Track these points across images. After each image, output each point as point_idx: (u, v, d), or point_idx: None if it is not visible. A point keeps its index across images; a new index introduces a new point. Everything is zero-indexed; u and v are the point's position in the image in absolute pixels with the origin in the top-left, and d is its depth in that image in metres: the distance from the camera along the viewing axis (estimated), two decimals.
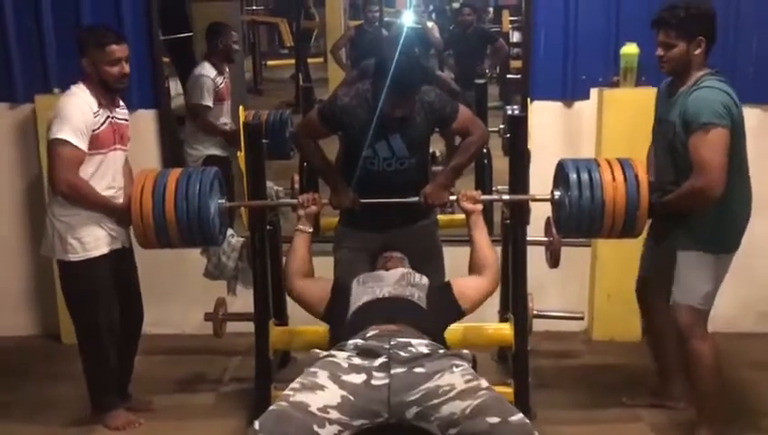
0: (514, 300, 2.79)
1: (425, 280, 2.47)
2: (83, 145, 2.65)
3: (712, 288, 2.66)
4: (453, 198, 2.68)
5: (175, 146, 3.83)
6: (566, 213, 2.55)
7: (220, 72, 3.96)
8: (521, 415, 1.91)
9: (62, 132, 2.62)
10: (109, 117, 2.77)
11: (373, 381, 1.99)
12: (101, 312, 2.81)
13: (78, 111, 2.66)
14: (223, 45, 3.93)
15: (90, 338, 2.85)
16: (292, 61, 4.67)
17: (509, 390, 2.75)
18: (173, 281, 3.72)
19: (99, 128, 2.71)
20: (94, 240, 2.75)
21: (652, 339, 3.10)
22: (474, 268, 2.54)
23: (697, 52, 2.58)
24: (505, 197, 2.79)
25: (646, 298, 3.01)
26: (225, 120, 4.00)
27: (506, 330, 2.82)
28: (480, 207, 2.61)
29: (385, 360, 2.03)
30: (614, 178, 2.49)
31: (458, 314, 2.44)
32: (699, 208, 2.57)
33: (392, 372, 2.00)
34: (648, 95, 3.36)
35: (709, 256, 2.63)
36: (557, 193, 2.62)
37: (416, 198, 2.68)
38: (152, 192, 2.50)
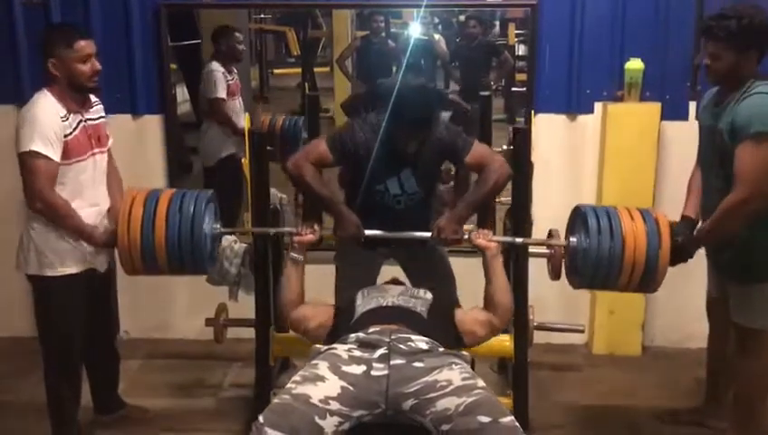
0: (515, 312, 2.72)
1: (428, 295, 2.47)
2: (56, 155, 2.48)
3: None
4: (466, 236, 2.53)
5: (181, 152, 3.85)
6: (582, 261, 2.39)
7: (229, 71, 4.04)
8: (512, 417, 1.92)
9: (32, 144, 2.44)
10: (81, 121, 2.60)
11: (373, 372, 2.01)
12: (74, 333, 2.69)
13: (45, 119, 2.48)
14: (227, 46, 4.03)
15: (59, 363, 2.72)
16: (299, 69, 4.69)
17: (508, 401, 2.75)
18: (175, 286, 3.71)
19: (71, 134, 2.54)
20: (71, 256, 2.61)
21: (711, 358, 2.99)
22: (488, 306, 2.44)
23: (749, 62, 2.44)
24: (518, 240, 2.63)
25: (712, 317, 2.92)
26: (239, 117, 4.04)
27: (507, 341, 2.80)
28: (494, 244, 2.46)
29: (385, 351, 2.05)
30: (634, 224, 2.34)
31: (459, 343, 2.38)
32: (741, 223, 2.45)
33: (392, 363, 2.02)
34: (651, 110, 3.43)
35: None
36: (573, 239, 2.47)
37: (427, 234, 2.57)
38: (141, 215, 2.36)
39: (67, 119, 2.54)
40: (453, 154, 2.64)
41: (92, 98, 2.72)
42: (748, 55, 2.44)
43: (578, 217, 2.47)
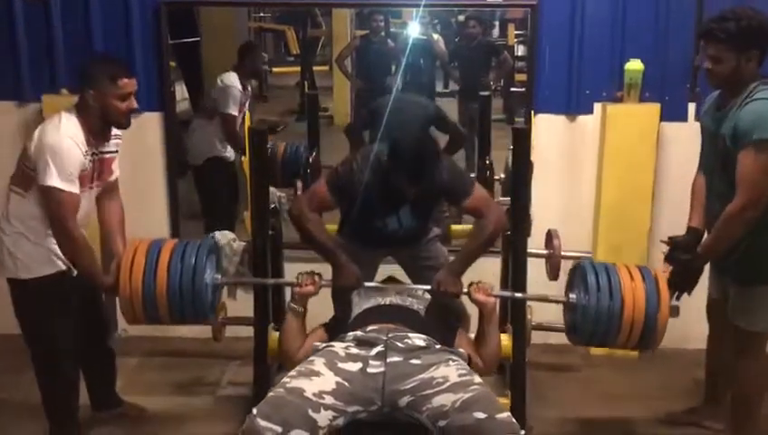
0: (513, 311, 2.77)
1: (426, 295, 2.49)
2: (77, 188, 2.49)
3: None
4: (465, 290, 2.52)
5: (179, 149, 3.85)
6: (581, 318, 2.39)
7: (244, 87, 4.06)
8: (508, 413, 1.93)
9: (57, 181, 2.43)
10: (95, 153, 2.59)
11: (369, 369, 2.02)
12: (58, 333, 2.65)
13: (68, 155, 2.45)
14: (252, 64, 4.09)
15: (47, 364, 2.70)
16: (298, 68, 4.69)
17: (506, 401, 2.72)
18: None
19: (83, 169, 2.53)
20: (44, 257, 2.57)
21: (710, 359, 2.99)
22: (478, 353, 2.44)
23: (749, 64, 2.43)
24: (518, 295, 2.62)
25: (712, 319, 2.92)
26: (241, 127, 4.03)
27: (505, 341, 2.76)
28: (493, 300, 2.46)
29: (382, 349, 2.06)
30: (633, 283, 2.34)
31: (452, 333, 2.42)
32: (743, 230, 2.44)
33: (388, 360, 2.03)
34: (651, 111, 3.43)
35: None
36: (572, 296, 2.46)
37: (427, 287, 2.57)
38: (144, 266, 2.38)
39: (87, 154, 2.53)
40: (453, 196, 2.65)
41: (114, 130, 2.69)
42: (749, 57, 2.43)
43: (577, 274, 2.47)
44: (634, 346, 2.41)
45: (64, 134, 2.47)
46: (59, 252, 2.59)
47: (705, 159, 2.69)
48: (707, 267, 2.76)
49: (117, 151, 2.74)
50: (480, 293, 2.44)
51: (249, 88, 4.10)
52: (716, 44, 2.44)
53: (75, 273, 2.66)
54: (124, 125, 2.63)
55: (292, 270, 3.04)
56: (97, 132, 2.58)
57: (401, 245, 2.85)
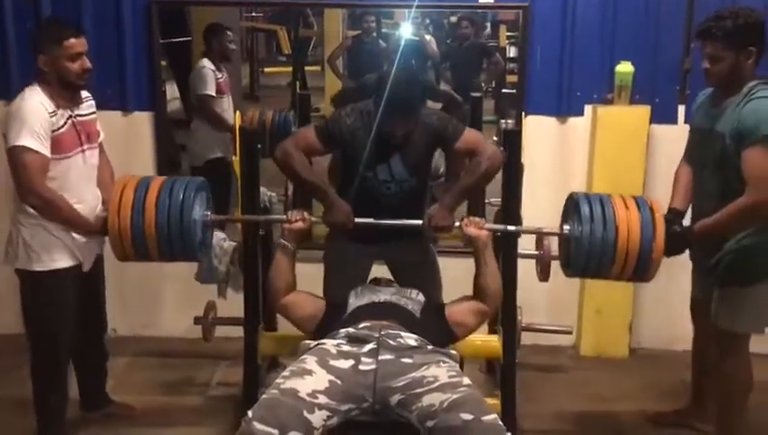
0: (504, 312, 2.76)
1: (420, 296, 2.47)
2: (45, 150, 2.48)
3: (766, 314, 2.62)
4: (457, 224, 2.52)
5: (171, 149, 3.83)
6: (575, 249, 2.38)
7: (218, 69, 4.05)
8: (495, 416, 1.92)
9: (22, 138, 2.44)
10: (70, 117, 2.59)
11: (361, 367, 2.01)
12: (62, 330, 2.66)
13: (33, 114, 2.46)
14: (219, 45, 4.05)
15: (46, 360, 2.70)
16: (290, 68, 4.68)
17: (496, 401, 2.73)
18: (163, 284, 3.72)
19: (59, 129, 2.52)
20: (60, 250, 2.59)
21: (696, 360, 3.00)
22: (477, 294, 2.44)
23: (748, 62, 2.44)
24: (511, 228, 2.59)
25: (696, 319, 2.92)
26: (228, 115, 4.05)
27: (495, 342, 2.80)
28: (485, 232, 2.44)
29: (374, 346, 2.06)
30: (628, 212, 2.32)
31: (451, 337, 2.40)
32: (748, 226, 2.47)
33: (380, 358, 2.03)
34: (641, 113, 3.44)
35: (762, 285, 2.54)
36: (566, 227, 2.45)
37: (419, 221, 2.56)
38: (132, 201, 2.37)
39: (55, 114, 2.52)
40: (443, 140, 2.62)
41: (83, 93, 2.70)
42: (747, 55, 2.44)
43: (571, 205, 2.45)
44: (629, 277, 2.38)
45: (28, 99, 2.50)
46: (75, 247, 2.61)
47: (696, 156, 2.69)
48: (690, 268, 2.78)
49: (95, 112, 2.75)
50: (472, 226, 2.42)
51: (224, 71, 4.09)
52: (714, 43, 2.44)
53: (87, 268, 2.69)
54: (80, 85, 2.62)
55: None
56: (62, 96, 2.57)
57: (395, 214, 2.66)
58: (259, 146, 2.73)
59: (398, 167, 2.63)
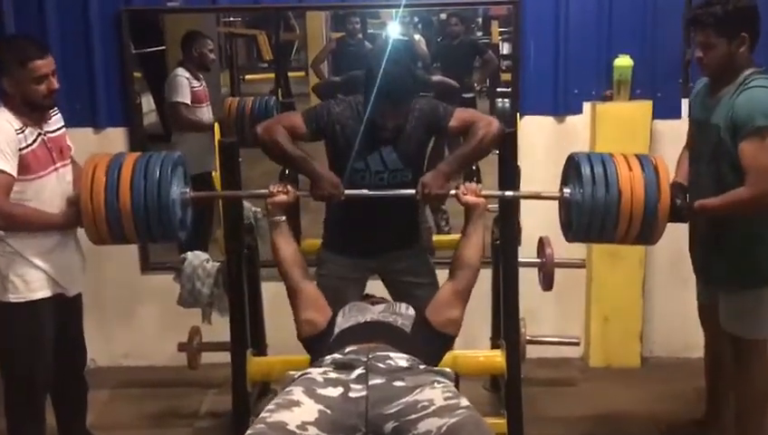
0: (506, 325, 2.72)
1: (411, 311, 2.39)
2: (11, 168, 2.41)
3: None
4: (452, 192, 2.44)
5: None
6: (577, 212, 2.31)
7: (195, 78, 4.00)
8: None
9: None
10: (39, 134, 2.53)
11: (351, 394, 1.94)
12: (38, 363, 2.60)
13: (2, 132, 2.41)
14: (198, 53, 3.99)
15: (22, 393, 2.61)
16: (272, 75, 4.56)
17: (502, 421, 2.68)
18: (144, 309, 3.66)
19: (28, 147, 2.47)
20: (38, 280, 2.54)
21: (709, 366, 2.94)
22: (453, 268, 2.37)
23: (741, 49, 2.43)
24: (508, 193, 2.58)
25: (705, 324, 2.86)
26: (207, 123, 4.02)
27: (498, 357, 2.73)
28: (483, 200, 2.38)
29: (362, 371, 1.98)
30: (631, 173, 2.26)
31: (446, 341, 2.33)
32: (749, 215, 2.45)
33: (370, 383, 1.95)
34: (642, 109, 3.41)
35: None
36: (567, 190, 2.39)
37: (411, 191, 2.48)
38: (105, 177, 2.28)
39: (23, 131, 2.46)
40: (435, 123, 2.56)
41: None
42: (740, 42, 2.42)
43: (571, 167, 2.38)
44: (634, 240, 2.32)
45: None
46: (56, 275, 2.57)
47: (694, 147, 2.67)
48: (692, 274, 2.76)
49: (63, 126, 2.69)
50: (469, 194, 2.37)
51: (202, 79, 4.03)
52: (704, 30, 2.44)
53: (74, 292, 2.67)
54: (47, 107, 2.55)
55: (270, 289, 2.97)
56: (30, 115, 2.51)
57: (389, 210, 2.61)
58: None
59: (391, 157, 2.57)
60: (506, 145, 2.66)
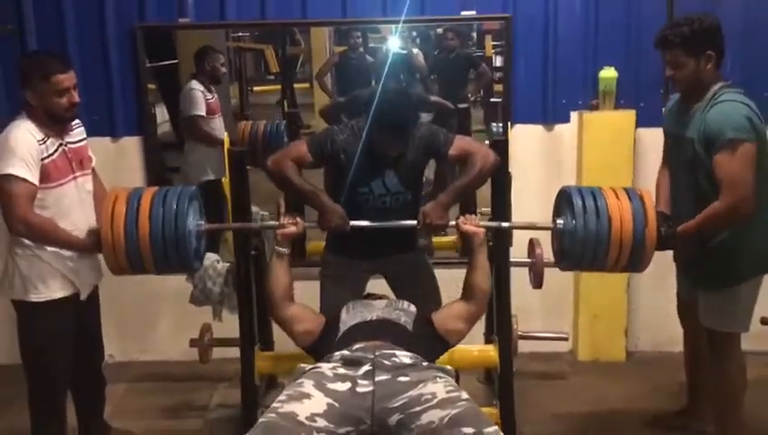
0: (499, 321, 2.78)
1: (412, 308, 2.47)
2: (33, 177, 2.44)
3: (752, 312, 2.63)
4: (452, 223, 2.53)
5: (161, 173, 3.83)
6: (570, 242, 2.38)
7: (208, 90, 4.05)
8: (496, 428, 1.91)
9: (9, 167, 2.41)
10: (60, 145, 2.56)
11: (358, 389, 2.01)
12: (59, 359, 2.64)
13: (21, 142, 2.44)
14: (210, 67, 4.05)
15: (44, 391, 2.65)
16: (279, 86, 4.69)
17: (495, 411, 2.74)
18: (158, 308, 3.71)
19: (49, 157, 2.50)
20: (57, 280, 2.58)
21: (688, 359, 3.00)
22: (466, 293, 2.46)
23: (709, 66, 2.49)
24: (505, 224, 2.64)
25: (684, 320, 2.93)
26: (219, 134, 4.00)
27: (491, 351, 2.81)
28: (481, 231, 2.47)
29: (369, 368, 2.05)
30: (620, 203, 2.34)
31: (444, 346, 2.42)
32: (729, 227, 2.50)
33: (377, 379, 2.02)
34: (626, 118, 3.46)
35: (744, 285, 2.58)
36: (560, 221, 2.45)
37: (413, 222, 2.56)
38: (125, 212, 2.33)
39: (44, 142, 2.50)
40: (435, 150, 2.63)
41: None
42: (707, 59, 2.48)
43: (563, 199, 2.46)
44: (624, 268, 2.38)
45: (15, 128, 2.48)
46: (72, 275, 2.60)
47: (670, 159, 2.74)
48: (674, 268, 2.81)
49: (85, 138, 2.73)
50: (468, 224, 2.46)
51: (214, 92, 4.09)
52: (673, 50, 2.50)
53: (85, 296, 2.67)
54: (68, 119, 2.59)
55: None
56: (51, 127, 2.54)
57: (390, 249, 2.72)
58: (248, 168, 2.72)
59: (392, 181, 2.65)
60: (498, 153, 2.71)
